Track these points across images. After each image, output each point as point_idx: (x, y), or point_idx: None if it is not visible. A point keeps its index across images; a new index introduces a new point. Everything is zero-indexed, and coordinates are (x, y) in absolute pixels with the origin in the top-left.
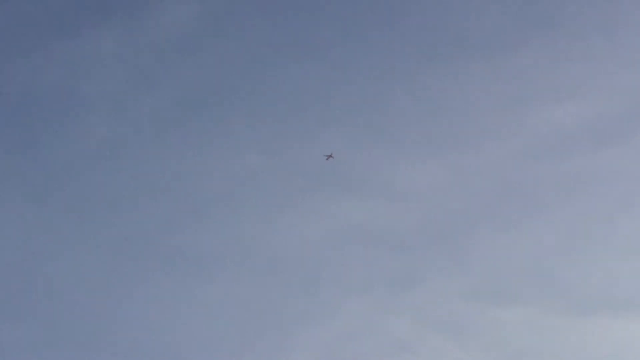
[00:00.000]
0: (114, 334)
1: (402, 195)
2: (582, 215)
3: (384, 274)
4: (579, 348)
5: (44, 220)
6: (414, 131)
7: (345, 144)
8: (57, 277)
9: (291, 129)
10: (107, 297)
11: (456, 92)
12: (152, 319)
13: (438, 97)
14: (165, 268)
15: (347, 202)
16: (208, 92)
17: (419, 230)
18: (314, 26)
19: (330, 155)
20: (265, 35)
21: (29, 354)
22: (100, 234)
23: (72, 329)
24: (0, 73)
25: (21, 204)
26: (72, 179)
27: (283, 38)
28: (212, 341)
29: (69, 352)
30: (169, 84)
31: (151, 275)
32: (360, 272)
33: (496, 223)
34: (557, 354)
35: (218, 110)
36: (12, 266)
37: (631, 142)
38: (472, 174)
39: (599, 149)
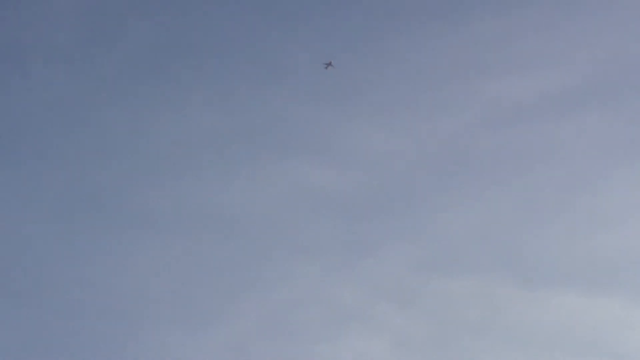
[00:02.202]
0: (57, 293)
1: (358, 162)
2: (538, 188)
3: (336, 240)
4: (528, 321)
5: None
6: (372, 98)
7: (301, 108)
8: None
9: (247, 89)
10: (53, 256)
11: (414, 60)
12: (98, 278)
13: (396, 64)
14: (114, 228)
15: (302, 167)
16: (165, 50)
17: (372, 197)
18: None
19: (329, 64)
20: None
21: None
22: (51, 193)
23: (13, 288)
24: None
25: None
26: (21, 134)
27: (241, 4)
28: (157, 302)
29: (9, 311)
30: (124, 40)
31: (100, 234)
32: (312, 238)
33: (451, 193)
34: (506, 326)
35: (174, 70)
36: None
37: (588, 115)
38: (428, 142)
39: (556, 120)
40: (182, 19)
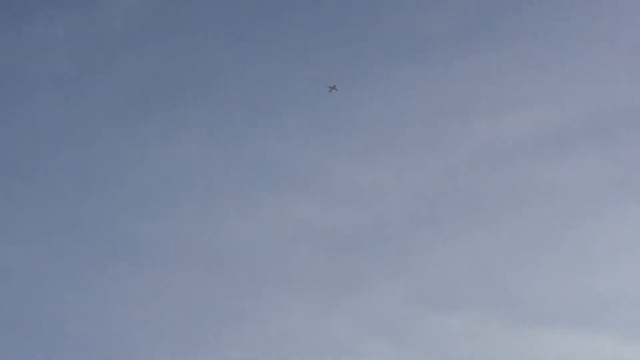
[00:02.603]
0: (43, 322)
1: (349, 197)
2: (528, 226)
3: (327, 275)
4: (518, 358)
5: None
6: (363, 133)
7: (293, 142)
8: None
9: (241, 123)
10: (38, 287)
11: (405, 95)
12: (86, 311)
13: (387, 100)
14: (104, 260)
15: (292, 202)
16: (161, 82)
17: (364, 232)
18: (265, 19)
19: (333, 87)
20: (216, 26)
21: None
22: (38, 222)
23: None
24: None
25: None
26: (12, 161)
27: (234, 30)
28: (145, 335)
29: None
30: (120, 71)
31: (89, 266)
32: (302, 273)
33: (441, 229)
34: None
35: (169, 101)
36: None
37: (577, 153)
38: (418, 178)
39: (544, 159)
40: (177, 51)
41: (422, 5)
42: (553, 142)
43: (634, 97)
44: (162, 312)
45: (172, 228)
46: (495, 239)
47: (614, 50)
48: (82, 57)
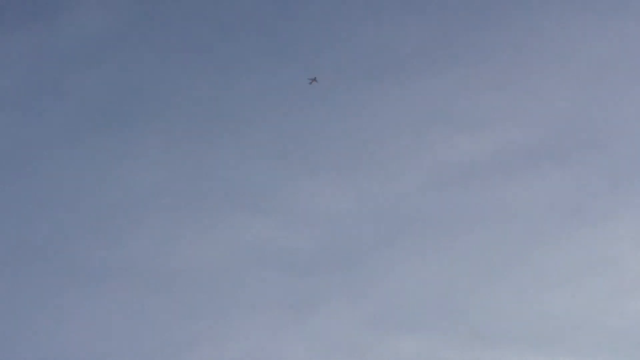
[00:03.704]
0: None
1: (307, 218)
2: (487, 248)
3: (284, 296)
4: None
5: None
6: (321, 153)
7: (251, 162)
8: None
9: (198, 143)
10: None
11: (365, 115)
12: (39, 336)
13: (346, 120)
14: (57, 282)
15: (249, 223)
16: (116, 102)
17: (321, 253)
18: (224, 37)
19: (314, 79)
20: (174, 44)
21: None
22: None
23: None
24: None
25: None
26: None
27: (192, 48)
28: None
29: None
30: (79, 91)
31: (42, 288)
32: (260, 294)
33: (398, 251)
34: None
35: (125, 121)
36: None
37: (535, 175)
38: (376, 199)
39: (502, 180)
40: (133, 70)
41: (379, 26)
42: (511, 164)
43: (592, 117)
44: (116, 335)
45: (126, 249)
46: (453, 261)
47: (573, 69)
48: (36, 76)
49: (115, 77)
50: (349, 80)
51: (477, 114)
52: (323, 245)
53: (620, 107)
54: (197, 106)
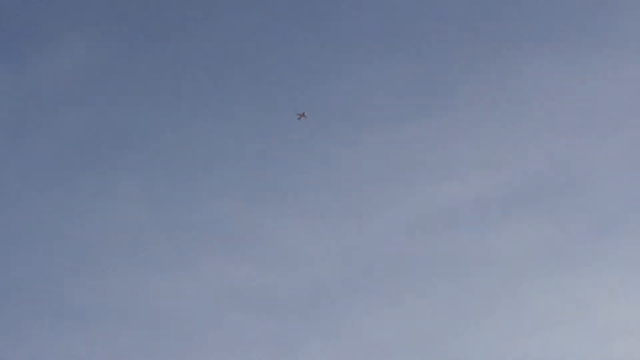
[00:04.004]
0: None
1: (285, 260)
2: (462, 292)
3: (261, 338)
4: None
5: None
6: (300, 197)
7: (228, 204)
8: None
9: (176, 183)
10: None
11: (346, 160)
12: None
13: (327, 164)
14: (36, 320)
15: (227, 263)
16: (95, 141)
17: (300, 296)
18: (197, 78)
19: (302, 115)
20: (151, 84)
21: None
22: None
23: None
24: None
25: None
26: None
27: (168, 87)
28: None
29: None
30: (58, 130)
31: (20, 326)
32: (236, 336)
33: (376, 294)
34: None
35: (104, 161)
36: None
37: (514, 221)
38: (355, 243)
39: (481, 226)
40: (109, 109)
41: (361, 74)
42: (490, 210)
43: (571, 164)
44: None
45: (103, 289)
46: (431, 305)
47: (551, 117)
48: (15, 114)
49: (94, 116)
50: (330, 125)
51: (457, 161)
52: (301, 288)
53: (597, 154)
54: (176, 147)
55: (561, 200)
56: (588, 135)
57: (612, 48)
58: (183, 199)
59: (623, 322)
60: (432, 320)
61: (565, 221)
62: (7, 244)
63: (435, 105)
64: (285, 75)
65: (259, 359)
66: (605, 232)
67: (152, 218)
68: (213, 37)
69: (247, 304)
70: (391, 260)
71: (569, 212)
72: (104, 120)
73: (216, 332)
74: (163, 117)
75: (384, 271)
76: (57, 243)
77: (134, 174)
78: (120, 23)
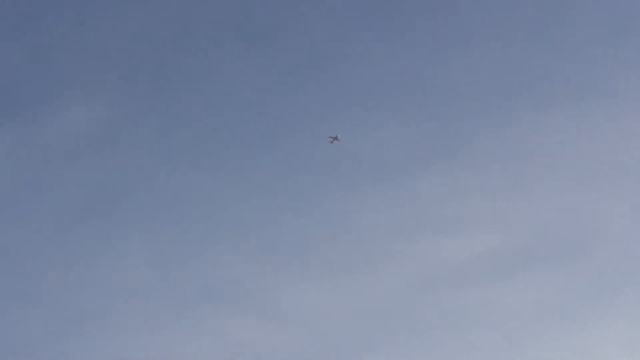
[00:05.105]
0: None
1: (292, 317)
2: (475, 349)
3: None
4: None
5: None
6: (307, 253)
7: (235, 261)
8: None
9: (182, 241)
10: None
11: (352, 215)
12: None
13: (332, 219)
14: None
15: (234, 320)
16: (99, 197)
17: (306, 353)
18: (212, 134)
19: (335, 138)
20: (151, 142)
21: None
22: None
23: None
24: None
25: None
26: None
27: (171, 146)
28: None
29: None
30: (61, 186)
31: None
32: None
33: (386, 352)
34: None
35: (107, 217)
36: None
37: (526, 278)
38: (361, 300)
39: (493, 283)
40: (114, 165)
41: (367, 131)
42: (498, 266)
43: (578, 221)
44: None
45: (106, 344)
46: None
47: (559, 174)
48: (19, 171)
49: (98, 172)
50: (333, 182)
51: (464, 218)
52: (308, 345)
53: (606, 209)
54: (181, 203)
55: (569, 256)
56: (597, 190)
57: (618, 101)
58: (190, 256)
59: None
60: None
61: (573, 277)
62: (11, 301)
63: (444, 161)
64: (292, 130)
65: None
66: (614, 288)
67: (158, 274)
68: (221, 93)
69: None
70: (396, 317)
71: (577, 267)
72: (110, 176)
73: None
74: (167, 172)
75: (391, 327)
76: (60, 299)
77: (139, 230)
78: (126, 80)
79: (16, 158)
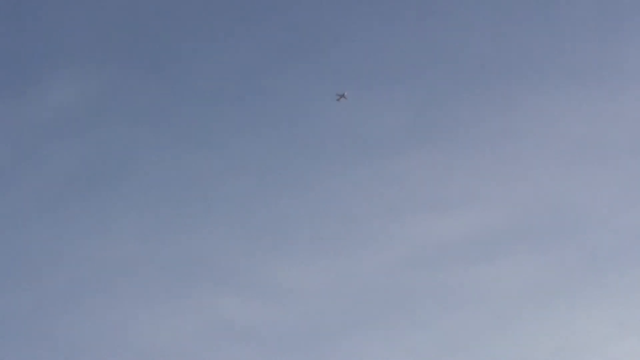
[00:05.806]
0: None
1: (280, 295)
2: (462, 329)
3: None
4: None
5: None
6: (294, 231)
7: (228, 241)
8: None
9: (172, 218)
10: None
11: (340, 194)
12: None
13: (321, 198)
14: (27, 356)
15: (223, 298)
16: (90, 174)
17: (293, 331)
18: (202, 109)
19: (342, 95)
20: (146, 118)
21: None
22: None
23: None
24: None
25: None
26: None
27: (164, 122)
28: None
29: None
30: (53, 162)
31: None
32: None
33: (373, 330)
34: None
35: (99, 193)
36: None
37: (515, 257)
38: (351, 278)
39: (476, 261)
40: (107, 143)
41: (354, 108)
42: (485, 245)
43: (564, 197)
44: None
45: (96, 323)
46: (425, 340)
47: (549, 153)
48: (10, 148)
49: (89, 149)
50: (322, 158)
51: (453, 197)
52: (295, 323)
53: (592, 189)
54: (171, 180)
55: (555, 235)
56: (582, 170)
57: (607, 83)
58: (180, 234)
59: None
60: (426, 356)
61: (559, 256)
62: (1, 276)
63: (432, 141)
64: (283, 109)
65: None
66: (599, 267)
67: (148, 251)
68: (211, 69)
69: (240, 339)
70: (385, 295)
71: (563, 247)
72: (101, 152)
73: None
74: (160, 151)
75: (378, 306)
76: (50, 277)
77: (130, 207)
78: (116, 56)
79: (3, 134)
